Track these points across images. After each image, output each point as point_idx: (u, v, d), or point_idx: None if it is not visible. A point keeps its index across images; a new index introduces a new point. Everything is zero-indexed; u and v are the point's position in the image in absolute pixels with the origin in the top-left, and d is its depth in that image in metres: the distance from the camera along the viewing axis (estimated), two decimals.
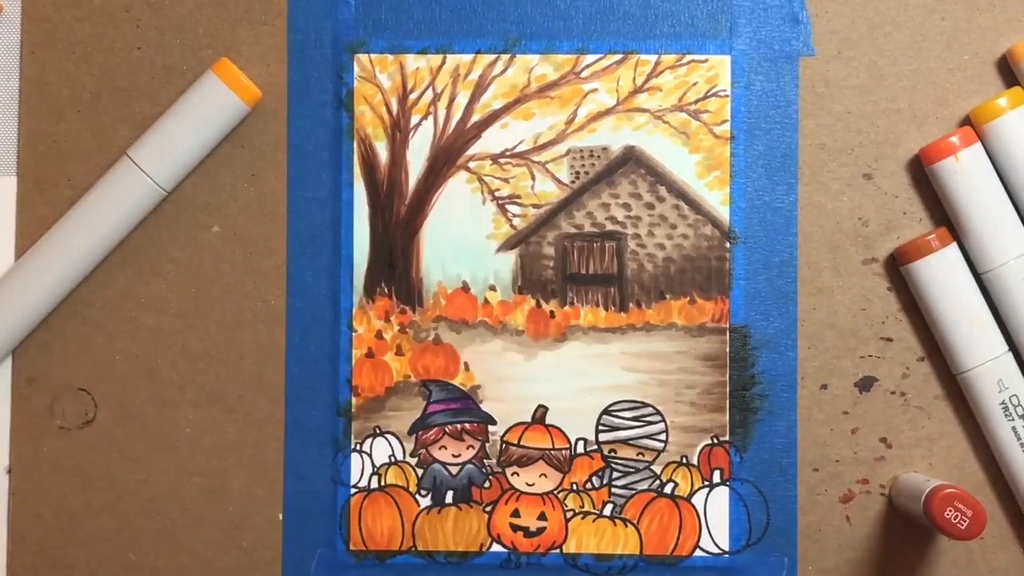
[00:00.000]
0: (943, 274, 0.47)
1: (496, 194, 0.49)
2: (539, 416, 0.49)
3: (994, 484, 0.48)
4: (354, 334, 0.49)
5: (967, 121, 0.49)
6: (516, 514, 0.49)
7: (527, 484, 0.49)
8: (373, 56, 0.50)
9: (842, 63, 0.49)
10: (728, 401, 0.49)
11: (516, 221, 0.49)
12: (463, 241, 0.49)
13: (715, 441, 0.49)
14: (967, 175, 0.47)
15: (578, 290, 0.49)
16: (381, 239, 0.49)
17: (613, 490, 0.49)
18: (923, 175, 0.49)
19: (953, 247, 0.47)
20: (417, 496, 0.49)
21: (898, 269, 0.48)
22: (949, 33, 0.49)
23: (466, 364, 0.49)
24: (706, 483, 0.49)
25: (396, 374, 0.49)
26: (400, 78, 0.49)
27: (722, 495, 0.49)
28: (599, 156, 0.49)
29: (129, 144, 0.49)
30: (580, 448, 0.49)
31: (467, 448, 0.49)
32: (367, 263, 0.49)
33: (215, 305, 0.50)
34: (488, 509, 0.49)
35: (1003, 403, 0.47)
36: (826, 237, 0.49)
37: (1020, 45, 0.48)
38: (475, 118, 0.49)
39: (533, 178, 0.49)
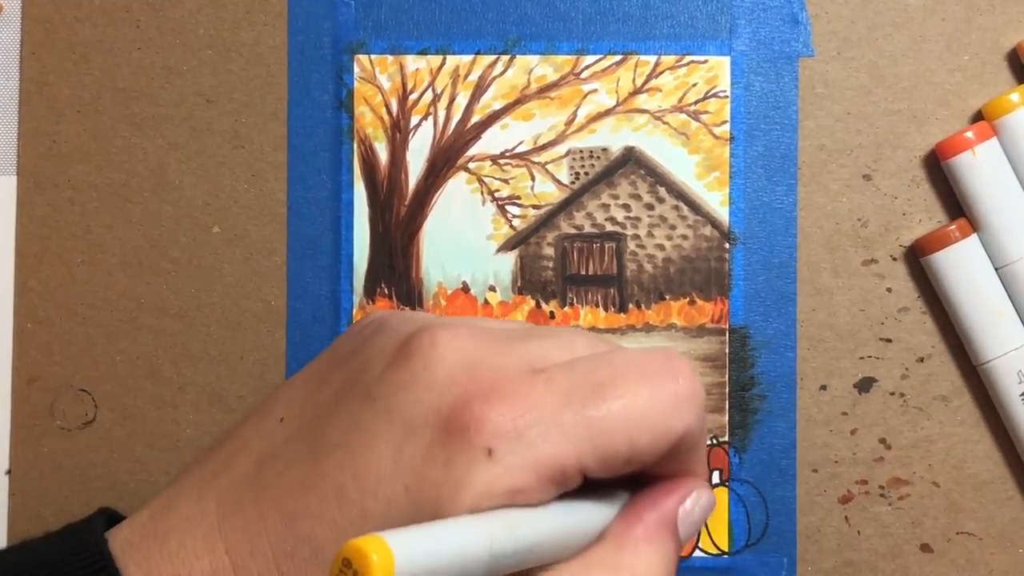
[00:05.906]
0: (964, 264, 0.47)
1: (496, 195, 0.49)
2: None
3: (1017, 478, 0.48)
4: None
5: (968, 121, 0.49)
6: None
7: None
8: (373, 57, 0.50)
9: (842, 64, 0.49)
10: (727, 402, 0.49)
11: (516, 222, 0.49)
12: (463, 242, 0.49)
13: (714, 442, 0.49)
14: (984, 170, 0.47)
15: (578, 291, 0.49)
16: (381, 240, 0.49)
17: None
18: (923, 176, 0.49)
19: (974, 238, 0.47)
20: None
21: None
22: (949, 33, 0.49)
23: None
24: None
25: None
26: (400, 79, 0.49)
27: (721, 496, 0.49)
28: (599, 157, 0.49)
29: (130, 144, 0.49)
30: None
31: None
32: (367, 264, 0.49)
33: (215, 305, 0.50)
34: None
35: (1023, 395, 0.47)
36: (826, 238, 0.49)
37: None
38: (475, 119, 0.49)
39: (533, 179, 0.49)
